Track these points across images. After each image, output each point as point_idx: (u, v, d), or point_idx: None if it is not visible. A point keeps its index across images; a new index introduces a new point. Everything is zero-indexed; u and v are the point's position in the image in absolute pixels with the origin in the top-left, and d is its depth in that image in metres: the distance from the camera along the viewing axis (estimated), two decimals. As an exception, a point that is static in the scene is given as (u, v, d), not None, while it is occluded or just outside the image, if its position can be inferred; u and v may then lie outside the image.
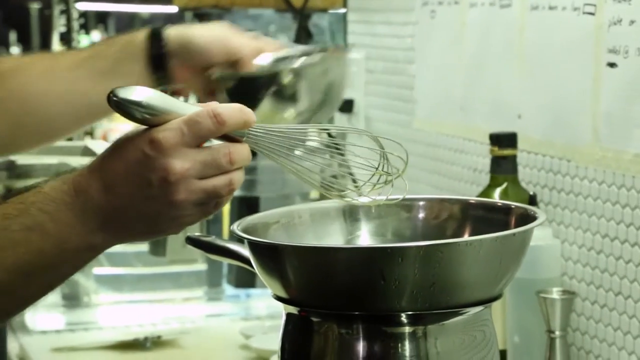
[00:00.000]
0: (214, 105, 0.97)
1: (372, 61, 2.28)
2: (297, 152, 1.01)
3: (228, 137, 0.98)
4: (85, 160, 2.29)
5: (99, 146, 2.60)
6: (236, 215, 2.25)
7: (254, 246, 1.06)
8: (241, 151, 0.98)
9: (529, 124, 1.71)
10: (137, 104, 0.95)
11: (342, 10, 2.46)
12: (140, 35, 1.41)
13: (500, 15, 1.79)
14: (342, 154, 1.06)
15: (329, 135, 1.11)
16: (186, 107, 0.97)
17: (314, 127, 1.06)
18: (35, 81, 1.38)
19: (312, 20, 2.48)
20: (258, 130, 0.99)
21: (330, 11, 2.53)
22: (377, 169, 1.05)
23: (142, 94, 0.95)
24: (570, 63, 1.61)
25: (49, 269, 0.99)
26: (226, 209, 2.26)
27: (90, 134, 3.29)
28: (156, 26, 1.45)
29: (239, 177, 0.98)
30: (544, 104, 1.68)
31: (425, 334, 1.02)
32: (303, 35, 2.47)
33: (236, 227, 1.08)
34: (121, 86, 0.95)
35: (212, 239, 1.17)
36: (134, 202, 0.96)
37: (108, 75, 1.39)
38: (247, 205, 2.26)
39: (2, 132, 1.37)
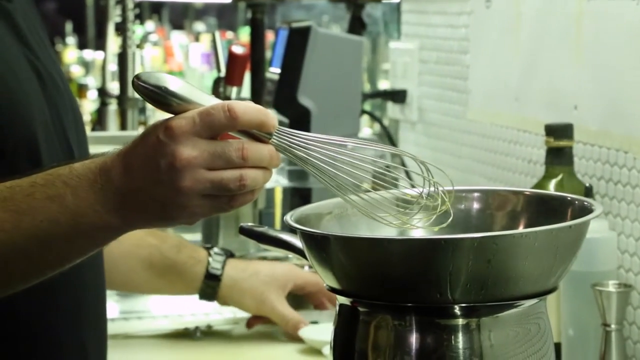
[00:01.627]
0: (229, 101, 0.99)
1: (426, 51, 2.27)
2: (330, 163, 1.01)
3: (255, 138, 0.98)
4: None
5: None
6: (288, 206, 2.26)
7: (307, 237, 1.06)
8: (258, 149, 0.98)
9: (586, 114, 1.69)
10: (161, 89, 0.97)
11: (396, 0, 2.45)
12: (200, 268, 1.64)
13: (557, 4, 1.77)
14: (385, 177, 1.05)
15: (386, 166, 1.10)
16: (208, 100, 0.99)
17: (354, 142, 1.05)
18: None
19: (366, 10, 2.47)
20: (288, 134, 0.99)
21: (384, 1, 2.52)
22: (420, 196, 1.04)
23: (165, 79, 0.98)
24: (628, 53, 1.58)
25: (64, 239, 1.02)
26: (278, 199, 2.26)
27: (144, 123, 3.31)
28: (213, 271, 1.65)
29: (254, 175, 0.98)
30: (601, 95, 1.66)
31: (479, 326, 1.02)
32: (356, 26, 2.47)
33: (289, 218, 1.08)
34: (146, 72, 0.98)
35: (265, 229, 1.17)
36: (146, 185, 0.99)
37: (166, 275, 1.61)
38: (299, 196, 2.26)
39: None
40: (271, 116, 0.99)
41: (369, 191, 1.06)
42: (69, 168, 1.02)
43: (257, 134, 0.99)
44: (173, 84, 0.98)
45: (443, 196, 1.05)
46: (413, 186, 1.07)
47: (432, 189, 1.04)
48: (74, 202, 1.01)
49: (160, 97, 0.97)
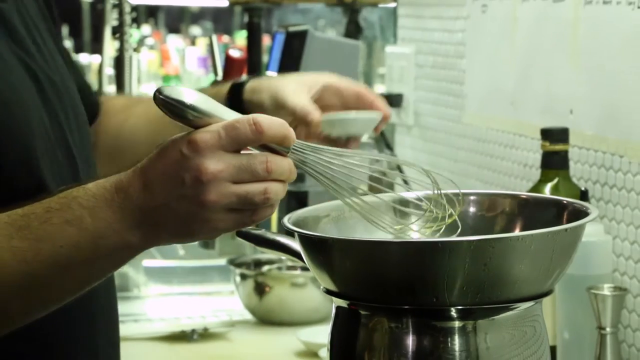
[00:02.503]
0: (256, 115, 0.98)
1: (422, 56, 2.28)
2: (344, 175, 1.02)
3: (273, 151, 0.99)
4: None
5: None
6: (285, 209, 2.26)
7: (305, 239, 1.07)
8: (280, 162, 0.98)
9: (581, 119, 1.70)
10: (181, 103, 0.96)
11: (393, 5, 2.45)
12: (225, 88, 1.43)
13: (553, 9, 1.77)
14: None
15: (399, 169, 1.10)
16: (230, 114, 0.98)
17: (367, 155, 1.06)
18: (135, 122, 1.42)
19: (362, 14, 2.48)
20: (304, 148, 1.00)
21: (381, 5, 2.52)
22: (428, 208, 1.05)
23: (187, 94, 0.97)
24: (624, 58, 1.59)
25: (84, 263, 1.01)
26: (275, 202, 2.26)
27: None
28: (238, 80, 1.44)
29: (276, 188, 0.98)
30: (596, 99, 1.66)
31: (475, 328, 1.02)
32: (353, 30, 2.47)
33: (287, 221, 1.08)
34: (167, 86, 0.97)
35: (262, 232, 1.17)
36: (168, 200, 0.97)
37: None
38: (296, 199, 2.26)
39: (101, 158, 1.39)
40: (292, 130, 0.99)
41: (380, 203, 1.07)
42: (83, 189, 1.00)
43: (277, 148, 0.99)
44: (193, 98, 0.97)
45: (449, 206, 1.06)
46: (420, 199, 1.08)
47: (439, 199, 1.05)
48: (92, 224, 0.99)
49: (181, 110, 0.96)
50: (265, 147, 0.99)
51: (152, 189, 0.98)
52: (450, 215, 1.07)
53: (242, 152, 0.98)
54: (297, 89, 1.38)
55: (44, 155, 1.12)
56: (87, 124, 1.26)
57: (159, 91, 0.97)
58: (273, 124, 0.98)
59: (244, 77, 1.42)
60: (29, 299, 1.02)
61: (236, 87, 1.42)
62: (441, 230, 1.07)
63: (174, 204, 0.97)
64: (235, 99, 1.39)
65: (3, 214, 1.01)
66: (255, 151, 0.99)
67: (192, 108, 0.97)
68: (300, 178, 2.20)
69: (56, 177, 1.13)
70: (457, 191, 1.08)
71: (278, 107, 1.36)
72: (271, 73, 2.34)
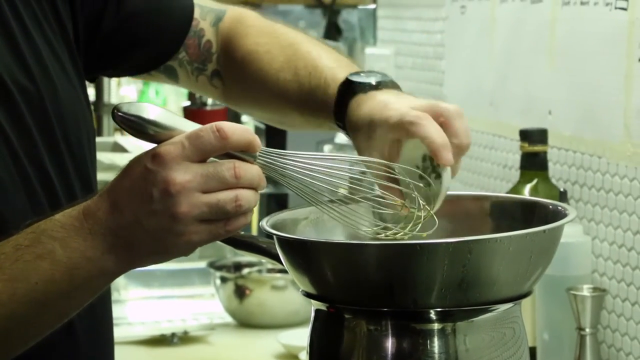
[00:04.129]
0: (218, 122, 0.96)
1: (402, 57, 2.28)
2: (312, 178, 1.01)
3: (239, 159, 0.98)
4: (115, 157, 2.29)
5: (128, 142, 2.61)
6: (265, 212, 2.26)
7: (283, 242, 1.06)
8: (248, 168, 0.96)
9: (560, 120, 1.70)
10: (141, 119, 0.95)
11: (372, 6, 2.46)
12: (334, 87, 1.21)
13: (531, 10, 1.78)
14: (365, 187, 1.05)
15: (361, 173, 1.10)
16: (192, 125, 0.97)
17: (333, 156, 1.05)
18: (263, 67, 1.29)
19: (342, 16, 2.48)
20: (270, 154, 0.99)
21: (360, 7, 2.52)
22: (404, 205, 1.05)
23: (146, 109, 0.95)
24: (601, 59, 1.59)
25: (61, 296, 0.99)
26: (255, 205, 2.26)
27: (120, 130, 3.30)
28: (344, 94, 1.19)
29: (247, 195, 0.96)
30: (574, 100, 1.67)
31: (455, 330, 1.02)
32: (333, 31, 2.47)
33: (265, 223, 1.08)
34: (126, 102, 0.96)
35: (241, 235, 1.17)
36: (138, 218, 0.95)
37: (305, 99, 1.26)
38: (276, 202, 2.26)
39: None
40: (256, 136, 0.98)
41: (350, 202, 1.07)
42: (50, 221, 0.98)
43: (242, 156, 0.97)
44: (153, 113, 0.95)
45: (425, 202, 1.06)
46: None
47: (412, 196, 1.05)
48: (65, 255, 0.97)
49: (142, 126, 0.95)
50: (231, 156, 0.97)
51: (120, 207, 0.96)
52: (427, 212, 1.06)
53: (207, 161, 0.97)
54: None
55: (4, 181, 1.07)
56: (87, 134, 1.19)
57: (117, 109, 0.95)
58: (236, 130, 0.96)
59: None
60: (9, 340, 1.00)
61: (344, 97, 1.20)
62: (418, 227, 1.07)
63: (145, 220, 0.95)
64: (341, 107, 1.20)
65: None
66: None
67: (153, 123, 0.95)
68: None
69: (24, 200, 1.08)
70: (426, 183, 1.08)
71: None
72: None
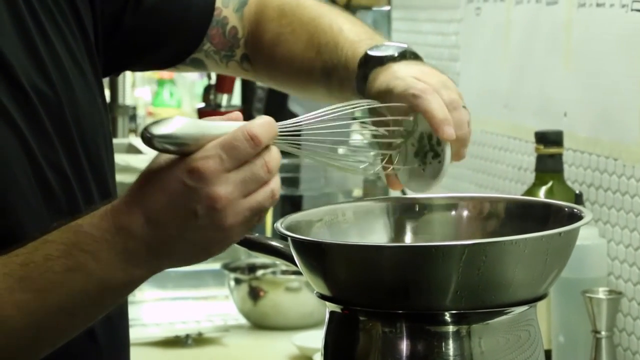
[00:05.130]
0: (248, 126, 0.96)
1: (416, 59, 2.27)
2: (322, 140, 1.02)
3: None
4: (131, 158, 2.29)
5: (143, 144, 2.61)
6: (279, 213, 2.26)
7: (298, 244, 1.06)
8: (275, 157, 0.97)
9: (575, 122, 1.70)
10: (169, 137, 0.94)
11: (387, 8, 2.45)
12: (354, 64, 1.20)
13: (546, 12, 1.77)
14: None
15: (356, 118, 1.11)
16: (218, 127, 0.96)
17: (334, 109, 1.05)
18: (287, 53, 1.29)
19: (356, 17, 2.47)
20: (282, 131, 0.99)
21: (375, 9, 2.52)
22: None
23: (173, 126, 0.94)
24: (617, 60, 1.59)
25: (91, 305, 0.99)
26: (269, 206, 2.26)
27: (135, 131, 3.31)
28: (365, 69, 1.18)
29: (277, 184, 0.98)
30: (590, 102, 1.66)
31: (470, 333, 1.02)
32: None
33: (280, 225, 1.08)
34: (153, 122, 0.95)
35: (255, 236, 1.17)
36: (182, 233, 0.95)
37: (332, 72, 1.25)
38: (290, 203, 2.26)
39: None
40: (274, 122, 0.98)
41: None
42: (81, 233, 0.97)
43: None
44: (182, 128, 0.94)
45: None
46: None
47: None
48: (98, 268, 0.96)
49: (173, 144, 0.94)
50: None
51: (158, 224, 0.95)
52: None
53: None
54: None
55: (21, 184, 1.07)
56: (104, 138, 1.19)
57: (147, 130, 0.94)
58: (264, 128, 0.96)
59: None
60: (36, 346, 1.00)
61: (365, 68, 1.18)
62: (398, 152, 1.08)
63: (190, 235, 0.96)
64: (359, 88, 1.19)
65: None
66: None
67: (182, 138, 0.94)
68: (294, 183, 2.20)
69: (42, 203, 1.08)
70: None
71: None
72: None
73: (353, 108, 1.08)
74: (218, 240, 0.97)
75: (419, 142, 1.11)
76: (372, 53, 1.17)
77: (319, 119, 1.03)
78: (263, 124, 0.97)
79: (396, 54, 1.16)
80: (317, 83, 1.25)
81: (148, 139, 0.94)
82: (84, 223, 0.98)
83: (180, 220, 0.95)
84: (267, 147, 0.97)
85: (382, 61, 1.15)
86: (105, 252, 0.96)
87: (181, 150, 0.94)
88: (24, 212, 1.06)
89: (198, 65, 1.31)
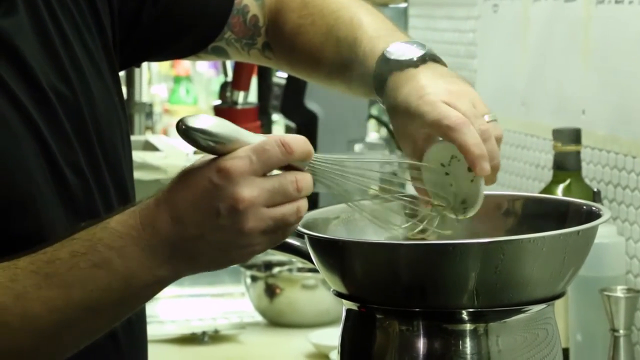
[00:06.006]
0: (281, 135, 0.96)
1: (433, 56, 2.27)
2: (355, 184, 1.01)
3: (289, 167, 0.98)
4: (147, 155, 2.29)
5: (160, 141, 2.62)
6: (296, 211, 2.25)
7: (314, 241, 1.06)
8: (307, 179, 0.97)
9: (594, 119, 1.69)
10: (204, 132, 0.94)
11: (403, 5, 2.45)
12: (372, 61, 1.17)
13: (564, 9, 1.76)
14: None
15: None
16: (252, 136, 0.97)
17: (375, 160, 1.05)
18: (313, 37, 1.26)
19: (376, 12, 2.46)
20: (317, 159, 0.99)
21: (391, 6, 2.51)
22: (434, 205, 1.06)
23: (209, 122, 0.95)
24: (636, 58, 1.58)
25: (116, 304, 0.99)
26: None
27: (151, 128, 3.32)
28: (382, 72, 1.14)
29: (305, 205, 0.98)
30: (609, 100, 1.65)
31: (487, 331, 1.01)
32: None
33: (296, 222, 1.08)
34: (190, 115, 0.95)
35: (272, 234, 1.16)
36: (203, 232, 0.95)
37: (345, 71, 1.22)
38: (307, 201, 2.25)
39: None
40: (310, 145, 0.98)
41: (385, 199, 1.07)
42: (107, 230, 0.98)
43: (295, 164, 0.98)
44: (217, 126, 0.94)
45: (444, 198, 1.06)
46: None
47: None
48: (122, 264, 0.97)
49: (206, 140, 0.94)
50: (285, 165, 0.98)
51: (183, 221, 0.95)
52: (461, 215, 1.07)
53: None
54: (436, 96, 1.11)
55: (40, 184, 1.07)
56: (122, 138, 1.19)
57: (182, 122, 0.94)
58: (299, 143, 0.97)
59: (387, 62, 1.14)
60: (61, 344, 1.00)
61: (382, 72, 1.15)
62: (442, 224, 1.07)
63: (210, 235, 0.96)
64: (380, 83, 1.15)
65: (24, 261, 0.98)
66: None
67: (217, 135, 0.94)
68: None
69: (60, 204, 1.08)
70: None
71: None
72: (281, 74, 2.34)
73: (396, 161, 1.08)
74: (238, 245, 0.96)
75: (449, 166, 1.09)
76: (390, 55, 1.14)
77: (359, 164, 1.02)
78: (298, 137, 0.97)
79: (415, 58, 1.12)
80: (336, 77, 1.24)
81: (184, 130, 0.94)
82: (111, 220, 0.99)
83: (202, 218, 0.95)
84: (300, 171, 0.97)
85: (401, 66, 1.12)
86: (130, 249, 0.97)
87: (213, 148, 0.95)
88: (42, 212, 1.07)
89: (220, 53, 1.31)
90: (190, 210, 0.95)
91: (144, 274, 0.97)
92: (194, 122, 0.94)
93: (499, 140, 1.09)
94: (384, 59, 1.14)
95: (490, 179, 1.08)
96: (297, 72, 1.32)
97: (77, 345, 1.02)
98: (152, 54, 1.29)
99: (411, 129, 1.09)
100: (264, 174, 0.95)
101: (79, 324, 0.99)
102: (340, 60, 1.21)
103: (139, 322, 1.21)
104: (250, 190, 0.94)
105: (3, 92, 1.06)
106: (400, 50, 1.14)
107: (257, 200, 0.94)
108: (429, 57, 1.14)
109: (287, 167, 0.98)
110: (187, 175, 0.96)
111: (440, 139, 1.08)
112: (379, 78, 1.14)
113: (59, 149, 1.09)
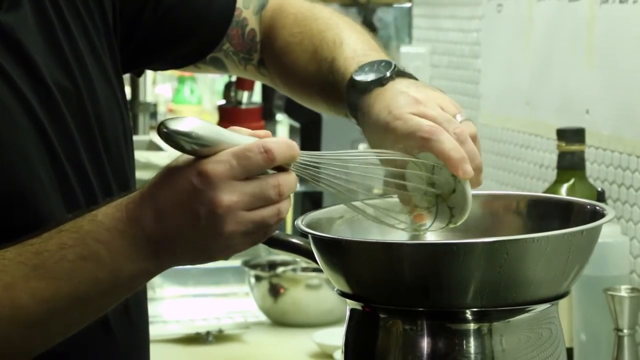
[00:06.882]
0: (264, 140, 0.96)
1: (437, 56, 2.27)
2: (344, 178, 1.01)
3: (276, 167, 0.98)
4: (151, 155, 2.29)
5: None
6: (299, 210, 2.26)
7: (318, 241, 1.06)
8: (289, 181, 0.98)
9: (598, 119, 1.69)
10: (186, 134, 0.94)
11: (407, 5, 2.45)
12: (343, 83, 1.17)
13: (569, 9, 1.76)
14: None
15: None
16: (236, 138, 0.97)
17: (362, 154, 1.05)
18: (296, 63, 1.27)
19: (377, 14, 2.48)
20: (304, 160, 0.99)
21: (396, 5, 2.52)
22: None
23: (192, 124, 0.94)
24: (640, 57, 1.58)
25: (103, 294, 1.01)
26: (290, 203, 2.26)
27: (155, 128, 3.31)
28: (357, 90, 1.14)
29: (286, 206, 0.98)
30: (613, 99, 1.65)
31: (491, 331, 1.01)
32: (368, 30, 2.46)
33: (300, 222, 1.08)
34: (172, 118, 0.95)
35: (276, 233, 1.16)
36: (183, 232, 0.97)
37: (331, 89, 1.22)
38: (310, 200, 2.26)
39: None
40: (296, 147, 0.98)
41: (380, 197, 1.07)
42: (95, 223, 0.99)
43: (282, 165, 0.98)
44: (199, 129, 0.94)
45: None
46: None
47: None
48: (109, 257, 0.98)
49: (188, 143, 0.94)
50: None
51: (164, 220, 0.97)
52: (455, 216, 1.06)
53: None
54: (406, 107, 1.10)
55: (41, 178, 1.08)
56: (124, 135, 1.20)
57: (163, 125, 0.94)
58: (281, 148, 0.97)
59: (370, 78, 1.14)
60: (49, 334, 1.02)
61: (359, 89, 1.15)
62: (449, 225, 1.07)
63: (189, 235, 0.97)
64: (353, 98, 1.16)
65: (12, 252, 1.00)
66: None
67: (199, 138, 0.94)
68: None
69: (61, 199, 1.09)
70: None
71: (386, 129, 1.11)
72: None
73: (380, 156, 1.08)
74: (218, 247, 0.98)
75: (433, 175, 1.08)
76: (356, 77, 1.14)
77: (344, 158, 1.02)
78: (281, 142, 0.97)
79: (381, 77, 1.12)
80: (319, 97, 1.24)
81: (165, 134, 0.94)
82: (99, 213, 1.00)
83: (182, 220, 0.96)
84: (285, 171, 0.97)
85: (368, 87, 1.12)
86: (117, 242, 0.98)
87: (195, 150, 0.95)
88: (43, 206, 1.08)
89: (218, 65, 1.31)
90: (171, 210, 0.96)
91: (131, 266, 0.98)
92: (177, 125, 0.94)
93: (474, 138, 1.09)
94: (351, 83, 1.14)
95: (476, 181, 1.07)
96: (288, 91, 1.32)
97: (65, 334, 1.03)
98: (151, 59, 1.29)
99: (389, 148, 1.08)
100: (244, 179, 0.96)
101: (66, 314, 1.00)
102: (321, 81, 1.22)
103: (140, 323, 1.22)
104: (229, 196, 0.95)
105: (6, 85, 1.07)
106: (365, 71, 1.14)
107: (236, 205, 0.95)
108: (395, 74, 1.14)
109: (277, 168, 0.98)
110: (171, 173, 0.97)
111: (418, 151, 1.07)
112: (350, 102, 1.15)
113: (60, 143, 1.10)
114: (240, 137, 0.97)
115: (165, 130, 0.94)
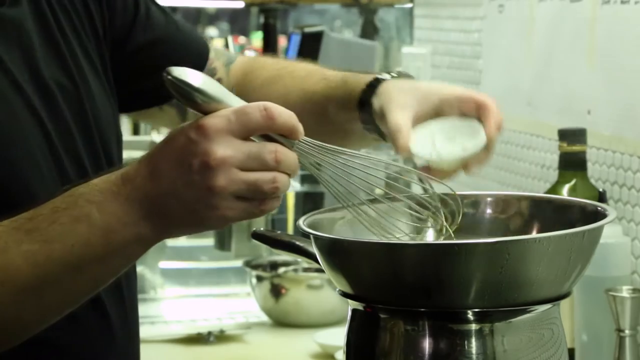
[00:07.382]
0: (265, 102, 0.97)
1: (438, 56, 2.27)
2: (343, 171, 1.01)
3: (278, 142, 0.97)
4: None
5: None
6: (301, 211, 2.26)
7: (320, 242, 1.06)
8: (288, 154, 0.97)
9: (599, 119, 1.69)
10: (190, 85, 0.95)
11: (409, 5, 2.45)
12: (359, 89, 1.24)
13: (570, 9, 1.76)
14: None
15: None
16: (239, 101, 0.97)
17: (369, 158, 1.04)
18: (288, 92, 1.34)
19: (378, 15, 2.48)
20: (308, 144, 0.98)
21: (397, 6, 2.52)
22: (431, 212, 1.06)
23: (197, 77, 0.95)
24: (641, 58, 1.58)
25: (97, 261, 0.99)
26: (291, 203, 2.26)
27: (156, 128, 3.31)
28: (370, 88, 1.22)
29: (284, 179, 0.97)
30: (614, 100, 1.65)
31: (492, 331, 1.01)
32: (369, 30, 2.47)
33: (302, 223, 1.08)
34: (175, 66, 0.95)
35: (277, 234, 1.17)
36: (175, 187, 0.96)
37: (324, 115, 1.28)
38: (312, 201, 2.26)
39: None
40: (300, 124, 0.98)
41: (381, 200, 1.07)
42: (88, 185, 0.99)
43: (281, 140, 0.97)
44: (202, 81, 0.95)
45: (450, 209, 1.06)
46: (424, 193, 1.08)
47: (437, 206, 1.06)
48: (101, 219, 0.97)
49: (189, 93, 0.95)
50: (270, 139, 0.97)
51: (159, 176, 0.96)
52: (452, 221, 1.07)
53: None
54: (403, 103, 1.19)
55: (43, 172, 1.09)
56: (116, 138, 1.22)
57: (168, 72, 0.95)
58: (283, 113, 0.96)
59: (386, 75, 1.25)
60: (43, 302, 1.00)
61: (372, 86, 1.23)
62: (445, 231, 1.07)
63: (181, 190, 0.96)
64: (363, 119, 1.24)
65: (8, 222, 1.00)
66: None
67: (201, 92, 0.95)
68: (316, 179, 2.19)
69: (52, 188, 1.09)
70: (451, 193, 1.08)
71: (383, 118, 1.19)
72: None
73: (387, 163, 1.09)
74: (208, 204, 0.95)
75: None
76: (379, 76, 1.24)
77: (348, 157, 1.01)
78: (283, 108, 0.97)
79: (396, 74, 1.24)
80: (318, 107, 1.29)
81: (170, 81, 0.94)
82: (95, 179, 1.00)
83: (175, 173, 0.95)
84: (283, 145, 0.97)
85: (387, 79, 1.23)
86: (109, 203, 0.97)
87: (198, 105, 0.95)
88: (42, 195, 1.07)
89: (181, 110, 1.33)
90: (166, 165, 0.96)
91: (123, 230, 0.98)
92: (181, 74, 0.94)
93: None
94: (372, 80, 1.23)
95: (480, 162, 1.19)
96: None
97: (60, 308, 1.02)
98: (126, 86, 1.29)
99: (422, 112, 1.18)
100: (242, 138, 0.95)
101: (60, 281, 0.99)
102: (325, 86, 1.28)
103: (132, 312, 1.23)
104: (224, 149, 0.94)
105: (7, 79, 1.09)
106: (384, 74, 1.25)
107: (230, 160, 0.94)
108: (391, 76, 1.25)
109: (275, 142, 0.97)
110: (171, 134, 0.97)
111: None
112: (363, 98, 1.22)
113: (59, 137, 1.12)
114: (242, 102, 0.97)
115: (170, 77, 0.95)
